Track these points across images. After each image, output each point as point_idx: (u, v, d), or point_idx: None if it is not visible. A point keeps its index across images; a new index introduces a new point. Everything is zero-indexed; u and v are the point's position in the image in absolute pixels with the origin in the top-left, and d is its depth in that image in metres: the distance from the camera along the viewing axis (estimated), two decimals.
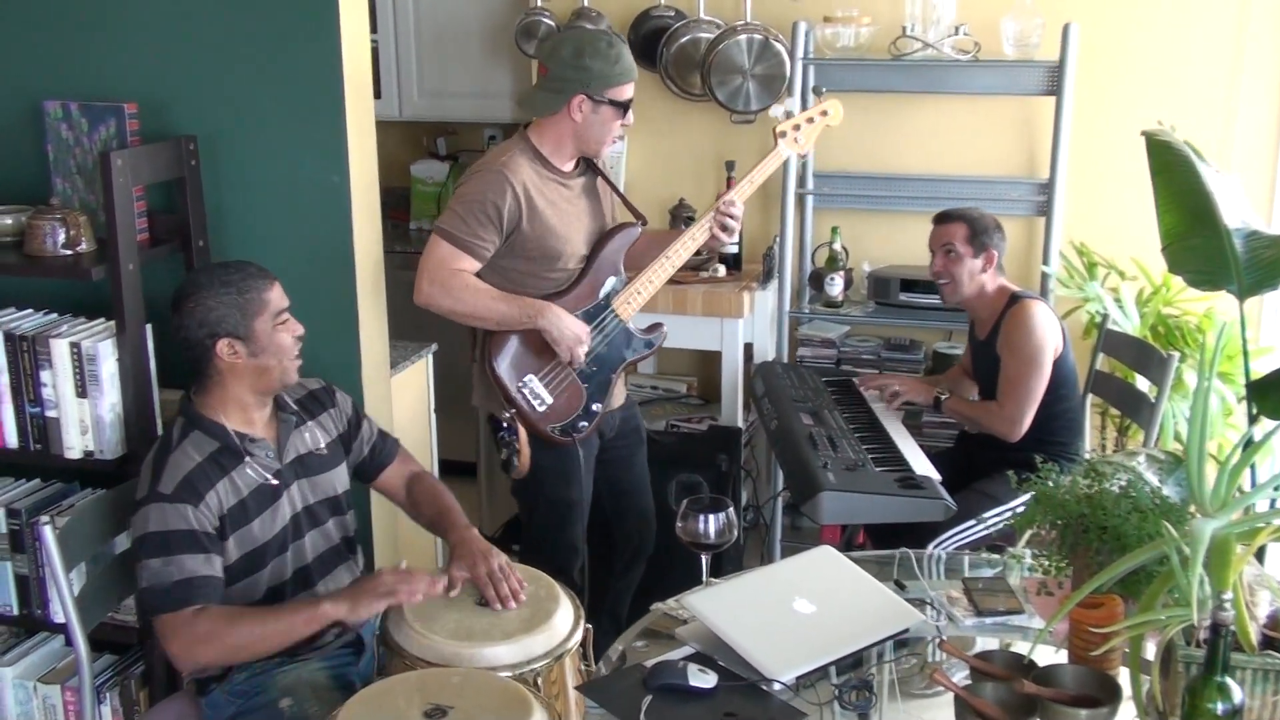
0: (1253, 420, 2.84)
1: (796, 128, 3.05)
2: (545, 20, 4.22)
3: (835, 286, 3.94)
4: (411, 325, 3.29)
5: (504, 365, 2.83)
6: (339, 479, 2.46)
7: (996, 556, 2.46)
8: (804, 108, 3.29)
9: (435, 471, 3.31)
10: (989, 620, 2.19)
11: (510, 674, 2.07)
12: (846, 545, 3.46)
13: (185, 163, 2.75)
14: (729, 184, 3.01)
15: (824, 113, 3.09)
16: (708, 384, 4.29)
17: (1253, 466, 2.95)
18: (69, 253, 2.64)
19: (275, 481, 2.32)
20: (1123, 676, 1.84)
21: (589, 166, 2.97)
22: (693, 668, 1.96)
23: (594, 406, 2.92)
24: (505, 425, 2.83)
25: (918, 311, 3.88)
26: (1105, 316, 3.51)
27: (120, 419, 2.64)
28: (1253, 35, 3.70)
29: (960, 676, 1.91)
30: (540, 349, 2.85)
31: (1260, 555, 2.21)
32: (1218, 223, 2.68)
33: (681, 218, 4.00)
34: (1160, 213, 2.79)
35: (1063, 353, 3.16)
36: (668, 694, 1.92)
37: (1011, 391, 3.11)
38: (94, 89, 2.80)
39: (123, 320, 2.59)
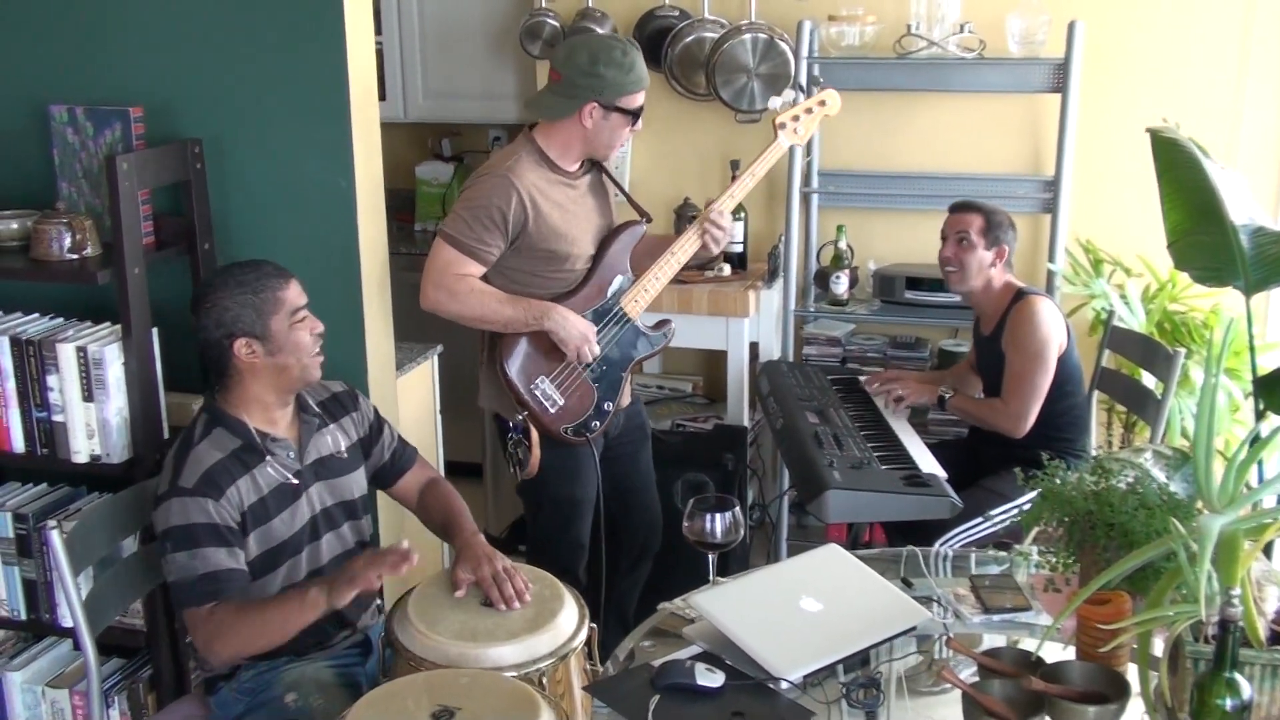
0: (1259, 416, 2.84)
1: (795, 119, 3.05)
2: (550, 21, 4.22)
3: (840, 285, 3.93)
4: (417, 327, 3.29)
5: (515, 368, 2.82)
6: (357, 483, 2.47)
7: (1004, 554, 2.45)
8: (805, 96, 3.30)
9: (441, 473, 3.31)
10: (996, 617, 2.19)
11: (515, 674, 2.07)
12: (854, 543, 3.46)
13: (190, 166, 2.75)
14: (734, 182, 3.02)
15: (822, 103, 3.10)
16: (713, 383, 4.30)
17: (1260, 462, 2.95)
18: (75, 257, 2.64)
19: (295, 481, 2.33)
20: (1131, 673, 1.84)
21: (593, 164, 2.96)
22: (700, 667, 1.96)
23: (606, 405, 2.92)
24: (514, 426, 2.83)
25: (923, 309, 3.87)
26: (1111, 313, 3.51)
27: (127, 423, 2.64)
28: (1259, 33, 3.69)
29: (968, 674, 1.90)
30: (550, 350, 2.85)
31: (1268, 551, 2.20)
32: (1224, 219, 2.67)
33: (686, 217, 4.00)
34: (1166, 209, 2.79)
35: (1068, 349, 3.16)
36: (675, 693, 1.93)
37: (1016, 388, 3.11)
38: (99, 93, 2.80)
39: (129, 324, 2.59)
